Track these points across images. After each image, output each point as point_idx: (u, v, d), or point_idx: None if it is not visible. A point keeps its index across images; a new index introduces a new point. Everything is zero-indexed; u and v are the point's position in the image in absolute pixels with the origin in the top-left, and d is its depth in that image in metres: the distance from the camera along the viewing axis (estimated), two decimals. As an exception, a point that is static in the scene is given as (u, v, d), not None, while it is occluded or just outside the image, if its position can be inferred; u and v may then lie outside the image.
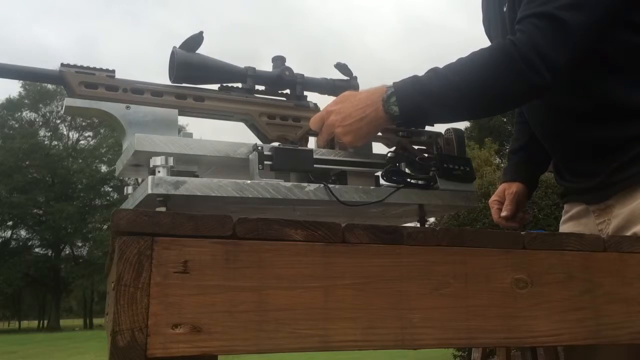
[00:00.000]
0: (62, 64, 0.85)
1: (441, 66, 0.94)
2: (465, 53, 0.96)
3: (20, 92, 35.28)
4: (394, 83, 0.93)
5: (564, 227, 1.25)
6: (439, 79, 0.92)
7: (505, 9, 1.15)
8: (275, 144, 0.93)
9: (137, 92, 0.88)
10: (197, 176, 0.84)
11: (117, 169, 0.90)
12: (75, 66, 0.86)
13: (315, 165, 0.90)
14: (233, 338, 0.58)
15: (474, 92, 0.92)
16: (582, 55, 0.95)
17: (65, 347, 14.66)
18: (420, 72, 0.95)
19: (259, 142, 0.91)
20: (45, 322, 36.62)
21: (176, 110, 0.89)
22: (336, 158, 0.93)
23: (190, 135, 0.86)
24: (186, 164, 0.84)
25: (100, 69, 0.87)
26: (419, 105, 0.92)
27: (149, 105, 0.88)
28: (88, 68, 0.87)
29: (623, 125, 1.04)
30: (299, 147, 0.93)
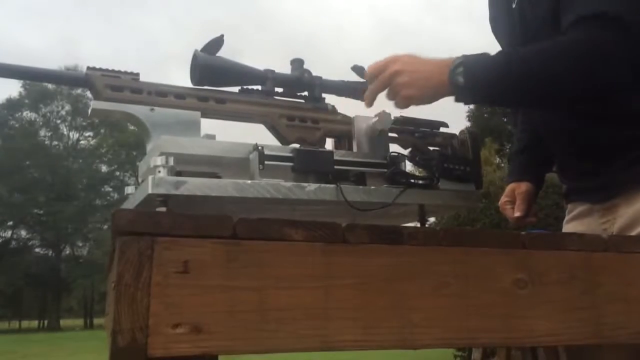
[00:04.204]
0: (88, 67, 0.87)
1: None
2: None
3: (20, 92, 35.30)
4: (463, 55, 0.92)
5: (568, 227, 1.24)
6: (518, 63, 0.90)
7: (514, 6, 1.14)
8: (296, 145, 0.94)
9: (161, 95, 0.89)
10: (219, 177, 0.85)
11: (140, 169, 0.91)
12: (100, 69, 0.87)
13: (335, 167, 0.91)
14: (233, 338, 0.58)
15: (547, 81, 0.91)
16: None
17: (65, 347, 14.67)
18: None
19: (259, 142, 0.91)
20: (46, 322, 36.60)
21: (199, 113, 0.90)
22: (355, 159, 0.94)
23: (213, 137, 0.87)
24: (209, 166, 0.85)
25: (125, 72, 0.88)
26: (485, 80, 0.90)
27: (173, 108, 0.89)
28: (113, 71, 0.88)
29: (627, 125, 1.04)
30: (320, 149, 0.94)
